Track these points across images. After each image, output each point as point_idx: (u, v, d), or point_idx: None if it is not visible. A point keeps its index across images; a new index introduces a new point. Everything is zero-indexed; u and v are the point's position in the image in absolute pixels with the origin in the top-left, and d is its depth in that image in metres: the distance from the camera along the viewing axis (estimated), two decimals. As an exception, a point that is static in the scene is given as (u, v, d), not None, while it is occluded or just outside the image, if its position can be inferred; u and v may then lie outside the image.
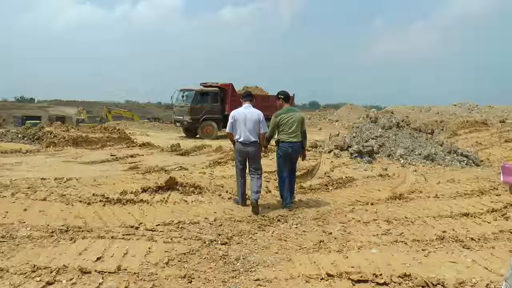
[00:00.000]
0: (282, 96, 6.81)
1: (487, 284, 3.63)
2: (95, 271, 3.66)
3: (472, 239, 4.89)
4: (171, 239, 4.62)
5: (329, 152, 11.36)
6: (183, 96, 22.96)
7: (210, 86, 23.39)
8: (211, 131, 22.36)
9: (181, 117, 22.49)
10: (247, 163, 6.51)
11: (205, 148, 13.59)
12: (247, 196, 6.49)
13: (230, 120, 6.50)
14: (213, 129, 22.42)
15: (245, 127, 6.37)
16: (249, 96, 6.76)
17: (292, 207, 6.44)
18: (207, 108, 22.35)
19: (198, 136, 22.28)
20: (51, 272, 3.60)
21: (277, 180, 6.95)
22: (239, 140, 6.41)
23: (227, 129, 6.61)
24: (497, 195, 7.12)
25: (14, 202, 5.91)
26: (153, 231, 4.90)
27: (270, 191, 7.38)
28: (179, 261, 4.03)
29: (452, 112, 35.08)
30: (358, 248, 4.54)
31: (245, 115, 6.41)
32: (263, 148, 6.92)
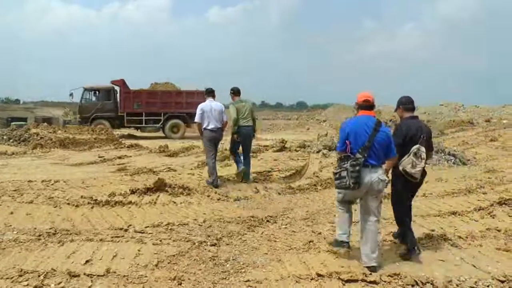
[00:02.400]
0: (233, 91, 8.45)
1: (475, 282, 3.68)
2: (84, 274, 3.64)
3: (460, 237, 4.95)
4: (161, 241, 4.60)
5: (318, 152, 11.39)
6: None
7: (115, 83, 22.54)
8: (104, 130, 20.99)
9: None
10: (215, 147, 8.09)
11: (193, 149, 13.54)
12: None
13: (198, 112, 7.90)
14: (106, 127, 20.68)
15: (212, 117, 7.90)
16: (212, 92, 8.26)
17: (251, 180, 8.25)
18: (98, 106, 21.60)
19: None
20: (39, 276, 3.56)
21: (233, 157, 8.64)
22: (208, 128, 7.89)
23: (196, 120, 8.02)
24: (483, 194, 7.21)
25: (0, 205, 5.83)
26: (142, 233, 4.87)
27: (258, 191, 7.37)
28: (168, 263, 4.01)
29: (439, 111, 35.39)
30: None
31: (211, 107, 7.94)
32: (233, 134, 8.28)
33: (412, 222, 4.72)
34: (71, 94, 21.76)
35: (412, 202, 4.85)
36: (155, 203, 6.28)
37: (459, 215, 5.99)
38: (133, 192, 6.74)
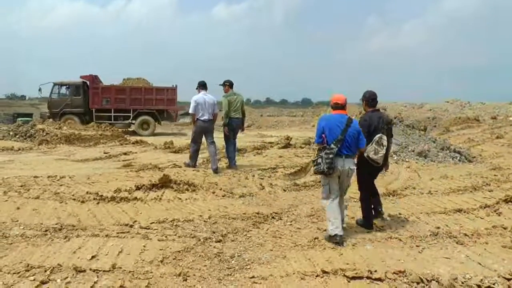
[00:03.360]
0: (228, 84, 9.21)
1: (481, 280, 3.65)
2: (90, 269, 3.65)
3: (465, 234, 4.93)
4: (166, 237, 4.61)
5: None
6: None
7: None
8: (73, 125, 20.56)
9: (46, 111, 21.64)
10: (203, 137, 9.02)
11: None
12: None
13: (193, 104, 8.74)
14: (75, 123, 20.38)
15: (205, 108, 8.75)
16: (204, 85, 9.01)
17: (237, 167, 9.21)
18: (67, 101, 21.23)
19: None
20: (45, 271, 3.58)
21: (225, 148, 9.49)
22: (201, 119, 8.78)
23: (191, 111, 8.88)
24: (489, 191, 7.19)
25: (6, 200, 5.87)
26: (147, 229, 4.89)
27: (263, 188, 7.37)
28: (174, 259, 4.03)
29: (445, 109, 35.24)
30: (353, 245, 4.57)
31: (205, 100, 8.75)
32: (223, 126, 9.23)
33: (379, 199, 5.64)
34: (40, 89, 21.53)
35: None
36: (160, 199, 6.30)
37: (464, 212, 5.97)
38: (138, 188, 6.77)
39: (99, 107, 21.46)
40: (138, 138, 16.28)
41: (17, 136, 15.11)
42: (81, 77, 21.79)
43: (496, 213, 5.89)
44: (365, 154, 5.02)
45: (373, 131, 5.05)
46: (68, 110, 21.17)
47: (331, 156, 4.61)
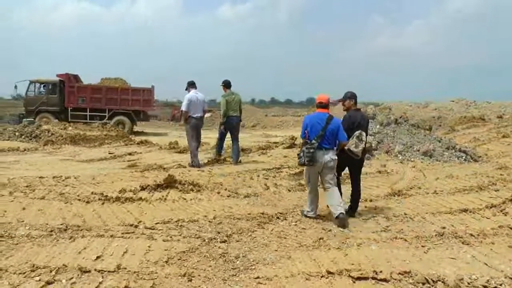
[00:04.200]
0: (225, 84, 9.77)
1: (487, 280, 3.63)
2: (95, 270, 3.65)
3: (471, 235, 4.90)
4: (171, 237, 4.61)
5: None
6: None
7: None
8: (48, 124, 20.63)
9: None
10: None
11: (203, 145, 13.56)
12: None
13: (186, 102, 9.28)
14: (50, 121, 20.16)
15: (196, 106, 9.35)
16: (194, 84, 9.63)
17: (240, 161, 9.88)
18: (43, 99, 21.19)
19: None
20: (51, 271, 3.58)
21: (218, 141, 10.28)
22: (194, 116, 9.36)
23: (184, 108, 9.37)
24: (495, 191, 7.15)
25: (12, 201, 5.90)
26: (152, 229, 4.89)
27: (268, 188, 7.36)
28: (179, 259, 4.02)
29: (450, 108, 35.05)
30: (358, 245, 4.54)
31: (197, 98, 9.37)
32: (221, 124, 10.02)
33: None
34: (15, 87, 21.77)
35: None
36: (165, 199, 6.31)
37: (470, 212, 5.94)
38: (143, 188, 6.78)
39: (75, 106, 21.50)
40: (143, 138, 16.30)
41: (23, 137, 15.16)
42: (57, 75, 21.82)
43: (503, 213, 5.86)
44: (346, 148, 5.63)
45: (356, 127, 5.66)
46: (44, 108, 21.21)
47: (311, 150, 5.34)
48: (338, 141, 5.56)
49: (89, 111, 21.71)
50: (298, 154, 5.60)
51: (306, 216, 5.66)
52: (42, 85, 21.64)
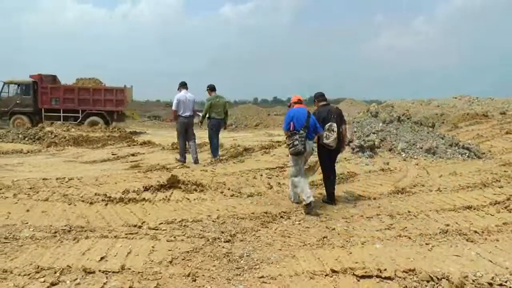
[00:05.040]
0: (210, 88, 10.40)
1: (492, 277, 3.62)
2: (99, 271, 3.66)
3: (475, 232, 4.89)
4: (175, 237, 4.62)
5: (330, 147, 11.33)
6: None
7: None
8: (21, 125, 20.55)
9: None
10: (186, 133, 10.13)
11: (206, 146, 13.56)
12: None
13: (175, 101, 9.90)
14: (24, 122, 20.71)
15: (186, 106, 9.91)
16: (185, 85, 10.17)
17: (219, 158, 10.35)
18: (17, 100, 21.15)
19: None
20: (55, 272, 3.59)
21: (210, 144, 10.75)
22: (183, 115, 9.92)
23: (174, 107, 10.00)
24: (499, 187, 7.12)
25: (16, 202, 5.92)
26: (156, 229, 4.90)
27: (271, 187, 7.36)
28: (183, 259, 4.03)
29: (453, 105, 34.96)
30: (362, 244, 4.54)
31: (186, 98, 9.92)
32: (199, 123, 11.35)
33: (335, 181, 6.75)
34: None
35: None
36: (168, 199, 6.31)
37: (474, 209, 5.92)
38: (146, 189, 6.79)
39: (48, 106, 21.46)
40: (146, 139, 16.31)
41: (26, 139, 15.22)
42: (30, 76, 21.76)
43: (507, 210, 5.84)
44: (320, 141, 6.34)
45: (324, 121, 6.27)
46: (17, 110, 21.20)
47: (303, 139, 5.94)
48: (316, 133, 6.24)
49: (62, 112, 21.67)
50: (289, 144, 6.04)
51: (310, 205, 5.82)
52: (16, 86, 21.59)
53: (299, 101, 6.47)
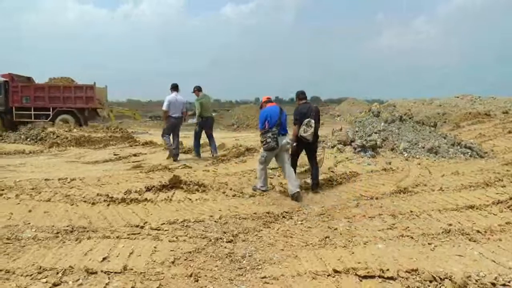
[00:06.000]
0: (197, 89, 10.88)
1: (495, 277, 3.61)
2: (101, 271, 3.66)
3: (478, 231, 4.87)
4: (177, 237, 4.62)
5: (332, 147, 11.33)
6: None
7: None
8: None
9: None
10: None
11: (207, 146, 13.56)
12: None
13: (166, 102, 10.36)
14: None
15: (176, 107, 10.44)
16: (176, 87, 10.70)
17: (218, 155, 11.01)
18: None
19: None
20: (57, 273, 3.60)
21: (194, 140, 11.19)
22: (173, 116, 10.44)
23: (164, 108, 10.46)
24: (502, 187, 7.09)
25: (18, 203, 5.92)
26: (158, 230, 4.90)
27: (273, 187, 7.36)
28: (185, 259, 4.03)
29: (455, 104, 34.89)
30: (364, 244, 4.53)
31: (176, 99, 10.46)
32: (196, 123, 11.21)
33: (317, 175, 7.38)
34: None
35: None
36: (170, 200, 6.31)
37: (477, 209, 5.90)
38: (148, 189, 6.79)
39: (19, 105, 21.47)
40: (148, 139, 16.31)
41: (28, 139, 15.26)
42: (1, 75, 21.76)
43: (510, 209, 5.80)
44: (298, 134, 7.04)
45: (302, 117, 7.02)
46: None
47: (275, 136, 6.67)
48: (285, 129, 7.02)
49: (34, 110, 21.68)
50: (263, 141, 6.76)
51: (259, 189, 6.94)
52: None
53: (269, 100, 7.28)
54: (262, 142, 6.80)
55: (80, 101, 21.98)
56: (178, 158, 10.62)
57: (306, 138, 6.97)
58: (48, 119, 21.53)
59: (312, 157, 7.39)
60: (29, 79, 22.95)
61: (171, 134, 10.64)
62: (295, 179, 6.79)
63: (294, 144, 7.22)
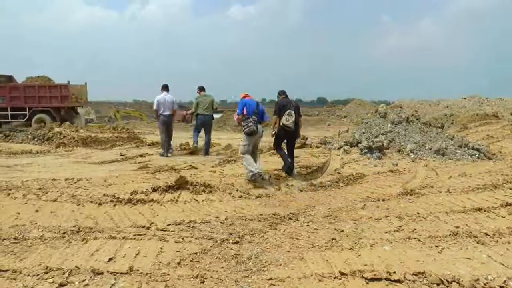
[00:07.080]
0: (199, 88, 11.88)
1: (504, 281, 3.57)
2: (107, 272, 3.67)
3: (486, 234, 4.83)
4: (183, 238, 4.62)
5: (339, 148, 11.30)
6: None
7: None
8: None
9: None
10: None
11: (214, 146, 13.58)
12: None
13: (156, 102, 11.47)
14: None
15: (165, 106, 11.46)
16: (166, 87, 11.75)
17: (209, 154, 11.74)
18: None
19: None
20: (64, 273, 3.61)
21: (193, 134, 12.28)
22: (163, 114, 11.45)
23: (154, 107, 11.64)
24: (510, 189, 7.03)
25: (25, 203, 5.94)
26: (164, 231, 4.90)
27: (280, 188, 7.35)
28: (191, 261, 4.02)
29: (462, 105, 34.74)
30: (371, 246, 4.50)
31: (165, 99, 11.50)
32: (189, 117, 13.29)
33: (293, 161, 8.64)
34: None
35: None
36: (176, 201, 6.31)
37: (485, 211, 5.85)
38: (154, 190, 6.78)
39: None
40: (154, 140, 16.34)
41: (35, 139, 15.33)
42: None
43: (518, 212, 5.76)
44: (281, 123, 8.17)
45: (283, 109, 8.18)
46: None
47: (255, 122, 7.79)
48: (263, 120, 8.24)
49: (10, 110, 21.79)
50: (244, 125, 7.81)
51: (253, 175, 7.47)
52: None
53: (247, 95, 8.25)
54: (243, 126, 7.85)
55: (56, 100, 22.04)
56: (169, 154, 11.55)
57: (288, 126, 8.12)
58: (25, 119, 21.66)
59: (291, 144, 8.76)
60: (10, 78, 23.01)
61: (166, 135, 11.54)
62: (259, 163, 8.05)
63: (273, 132, 8.52)
